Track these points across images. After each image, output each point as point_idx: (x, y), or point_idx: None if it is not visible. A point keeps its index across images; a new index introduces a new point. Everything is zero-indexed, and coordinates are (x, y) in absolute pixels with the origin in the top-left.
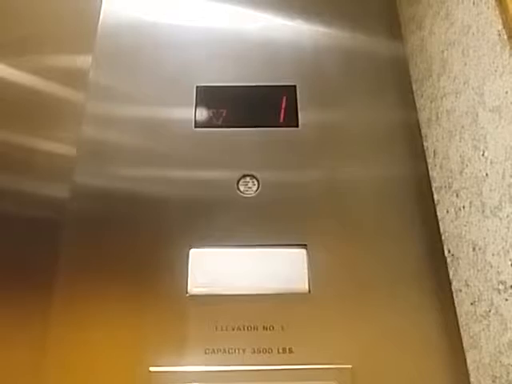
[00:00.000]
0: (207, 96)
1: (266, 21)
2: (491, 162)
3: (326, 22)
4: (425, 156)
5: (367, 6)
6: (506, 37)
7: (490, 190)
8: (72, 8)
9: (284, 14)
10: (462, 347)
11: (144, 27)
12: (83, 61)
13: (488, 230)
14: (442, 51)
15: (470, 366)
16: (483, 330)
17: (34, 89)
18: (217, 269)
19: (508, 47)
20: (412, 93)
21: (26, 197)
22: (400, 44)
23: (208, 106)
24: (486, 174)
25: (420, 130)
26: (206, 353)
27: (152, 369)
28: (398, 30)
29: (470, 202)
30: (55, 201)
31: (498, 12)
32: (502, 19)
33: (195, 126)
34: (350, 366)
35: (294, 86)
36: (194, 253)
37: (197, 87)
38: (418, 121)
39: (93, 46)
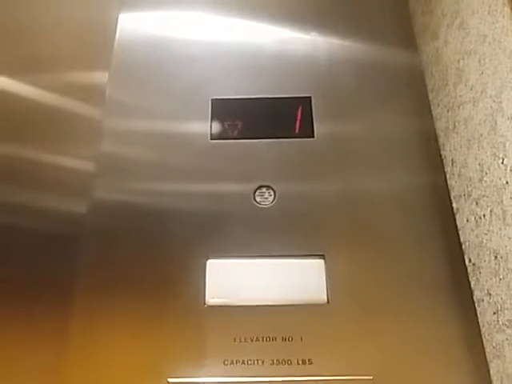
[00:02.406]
0: (223, 108)
1: (280, 34)
2: (511, 170)
3: (340, 33)
4: (442, 165)
5: (381, 17)
6: None
7: (511, 198)
8: (89, 25)
9: (298, 27)
10: (485, 358)
11: (159, 42)
12: (100, 77)
13: (509, 238)
14: (458, 60)
15: (494, 377)
16: (506, 339)
17: (52, 105)
18: (234, 279)
19: None
20: (428, 102)
21: (43, 212)
22: (415, 54)
23: (223, 119)
24: (507, 182)
25: (437, 140)
26: (224, 364)
27: (170, 380)
28: (413, 41)
29: (491, 211)
30: (73, 216)
31: None
32: None
33: (211, 139)
34: (371, 378)
35: (310, 97)
36: (212, 263)
37: (212, 100)
38: (434, 130)
39: (109, 62)
